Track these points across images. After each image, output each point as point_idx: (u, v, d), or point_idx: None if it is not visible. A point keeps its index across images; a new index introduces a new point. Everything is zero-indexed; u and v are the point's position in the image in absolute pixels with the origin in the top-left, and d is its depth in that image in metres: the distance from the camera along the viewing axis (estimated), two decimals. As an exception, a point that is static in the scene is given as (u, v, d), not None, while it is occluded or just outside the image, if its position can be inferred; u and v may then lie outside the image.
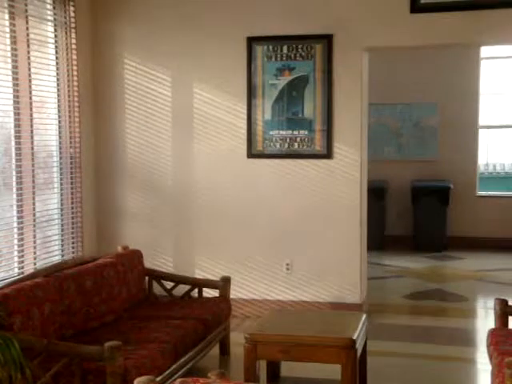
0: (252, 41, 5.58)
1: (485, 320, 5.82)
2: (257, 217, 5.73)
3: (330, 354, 3.58)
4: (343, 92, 5.48)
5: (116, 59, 5.87)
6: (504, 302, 3.85)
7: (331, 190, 5.57)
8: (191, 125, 5.79)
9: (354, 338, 3.59)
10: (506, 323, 3.85)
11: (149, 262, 5.22)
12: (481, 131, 9.27)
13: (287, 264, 5.69)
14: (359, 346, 3.69)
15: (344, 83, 5.48)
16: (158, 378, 3.41)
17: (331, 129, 5.51)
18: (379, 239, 8.64)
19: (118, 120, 5.91)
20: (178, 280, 4.94)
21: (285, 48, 5.54)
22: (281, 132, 5.61)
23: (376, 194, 8.36)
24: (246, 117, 5.65)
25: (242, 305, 5.73)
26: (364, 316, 4.05)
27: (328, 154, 5.53)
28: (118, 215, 5.96)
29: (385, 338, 5.18)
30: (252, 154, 5.68)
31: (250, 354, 3.63)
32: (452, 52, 8.68)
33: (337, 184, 5.56)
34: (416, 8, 5.27)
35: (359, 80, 5.51)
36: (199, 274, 5.73)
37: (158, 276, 4.95)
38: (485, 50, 9.11)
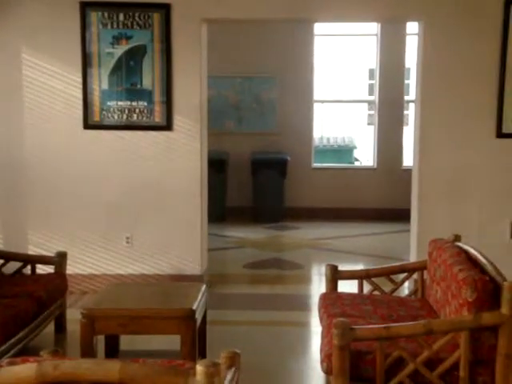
0: (86, 6, 5.35)
1: (318, 285, 6.12)
2: (95, 190, 5.56)
3: (170, 326, 3.59)
4: (182, 63, 5.44)
5: None
6: (334, 268, 4.06)
7: (171, 162, 5.54)
8: (20, 93, 5.46)
9: (194, 308, 3.62)
10: (335, 287, 4.06)
11: (-24, 240, 4.90)
12: (316, 105, 9.65)
13: (127, 237, 5.60)
14: (199, 316, 3.72)
15: (183, 54, 5.43)
16: (-14, 361, 3.22)
17: (171, 100, 5.45)
18: (220, 211, 8.76)
19: None
20: (7, 257, 4.69)
21: (121, 15, 5.36)
22: (119, 103, 5.47)
23: (217, 166, 8.44)
24: (81, 86, 5.44)
25: (80, 280, 5.57)
26: (204, 286, 4.09)
27: (168, 126, 5.48)
28: None
29: (225, 307, 5.29)
30: (89, 124, 5.49)
31: (86, 329, 3.54)
32: (289, 27, 8.91)
33: (177, 156, 5.53)
34: (253, -19, 5.33)
35: (198, 52, 5.48)
36: (33, 250, 5.47)
37: (-14, 254, 4.67)
38: (319, 27, 9.47)
